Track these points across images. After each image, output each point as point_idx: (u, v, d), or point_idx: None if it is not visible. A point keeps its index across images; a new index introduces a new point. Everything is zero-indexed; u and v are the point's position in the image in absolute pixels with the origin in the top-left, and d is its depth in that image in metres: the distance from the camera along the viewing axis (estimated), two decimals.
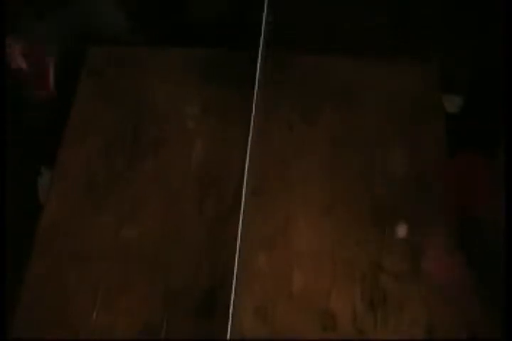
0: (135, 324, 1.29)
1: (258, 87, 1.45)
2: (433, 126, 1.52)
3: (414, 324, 1.29)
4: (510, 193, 1.25)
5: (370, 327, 1.28)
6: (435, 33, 1.75)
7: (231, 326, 1.21)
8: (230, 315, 1.22)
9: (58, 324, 1.30)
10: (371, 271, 1.34)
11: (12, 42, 1.60)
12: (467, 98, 1.69)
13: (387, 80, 1.58)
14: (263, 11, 1.51)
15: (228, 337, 1.20)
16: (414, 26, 1.78)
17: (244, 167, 1.36)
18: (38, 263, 1.37)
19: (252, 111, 1.41)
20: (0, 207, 1.26)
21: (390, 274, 1.33)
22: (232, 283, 1.25)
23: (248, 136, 1.39)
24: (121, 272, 1.36)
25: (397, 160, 1.47)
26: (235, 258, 1.27)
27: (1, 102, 1.38)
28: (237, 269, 1.26)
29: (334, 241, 1.38)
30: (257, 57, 1.46)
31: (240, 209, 1.32)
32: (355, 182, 1.45)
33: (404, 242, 1.37)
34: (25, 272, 1.35)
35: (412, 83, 1.58)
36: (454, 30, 1.73)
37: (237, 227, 1.30)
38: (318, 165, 1.48)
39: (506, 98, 1.27)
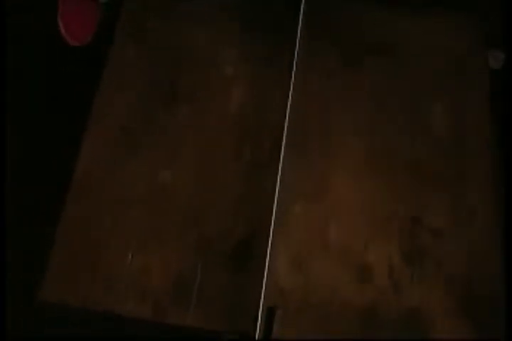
0: (169, 270, 1.28)
1: (299, 34, 1.41)
2: (477, 83, 1.48)
3: (451, 281, 1.27)
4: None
5: (406, 282, 1.27)
6: None
7: (266, 276, 1.20)
8: (267, 264, 1.21)
9: (92, 268, 1.29)
10: (409, 226, 1.32)
11: None
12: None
13: (431, 34, 1.54)
14: None
15: (264, 286, 1.19)
16: None
17: (284, 116, 1.34)
18: (73, 207, 1.35)
19: (293, 59, 1.38)
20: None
21: (429, 230, 1.32)
22: (268, 233, 1.24)
23: (288, 85, 1.36)
24: (156, 218, 1.34)
25: (439, 116, 1.44)
26: (271, 208, 1.26)
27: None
28: (274, 219, 1.25)
29: (373, 196, 1.36)
30: (300, 4, 1.43)
31: (279, 158, 1.30)
32: (396, 137, 1.42)
33: (444, 197, 1.35)
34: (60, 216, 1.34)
35: (457, 38, 1.53)
36: None
37: (275, 176, 1.28)
38: (359, 118, 1.44)
39: None
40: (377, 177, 1.38)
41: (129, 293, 1.26)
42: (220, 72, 1.51)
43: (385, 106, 1.46)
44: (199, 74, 1.52)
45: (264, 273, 1.21)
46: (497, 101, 1.46)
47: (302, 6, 1.43)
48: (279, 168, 1.28)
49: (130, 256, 1.29)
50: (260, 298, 1.20)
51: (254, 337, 1.17)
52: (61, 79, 1.72)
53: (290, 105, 1.34)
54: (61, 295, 1.26)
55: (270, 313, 1.21)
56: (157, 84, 1.51)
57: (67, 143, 1.49)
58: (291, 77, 1.37)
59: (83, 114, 1.47)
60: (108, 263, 1.29)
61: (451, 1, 1.62)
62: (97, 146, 1.43)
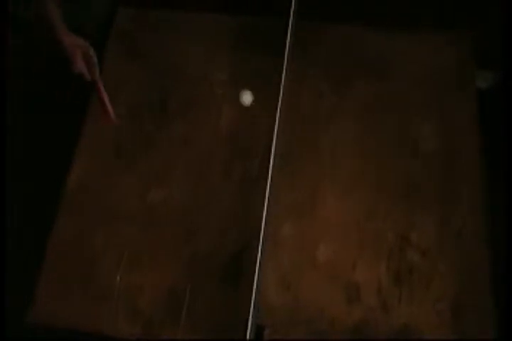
0: (160, 287, 1.29)
1: (288, 55, 1.42)
2: (465, 101, 1.49)
3: (440, 299, 1.27)
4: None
5: (394, 301, 1.27)
6: (471, 7, 1.71)
7: (255, 294, 1.19)
8: (255, 282, 1.20)
9: (83, 285, 1.30)
10: (398, 245, 1.32)
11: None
12: (500, 74, 1.65)
13: (420, 53, 1.55)
14: None
15: (252, 303, 1.19)
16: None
17: (273, 133, 1.34)
18: (64, 223, 1.37)
19: (281, 79, 1.39)
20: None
21: (417, 248, 1.32)
22: (257, 251, 1.24)
23: (277, 102, 1.37)
24: (148, 235, 1.35)
25: (427, 134, 1.45)
26: (260, 227, 1.25)
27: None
28: (263, 237, 1.24)
29: (362, 213, 1.36)
30: (287, 25, 1.44)
31: (268, 176, 1.30)
32: (384, 154, 1.43)
33: (432, 216, 1.35)
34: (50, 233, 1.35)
35: (445, 57, 1.54)
36: (489, 4, 1.69)
37: (264, 195, 1.28)
38: (348, 135, 1.45)
39: None
40: (366, 197, 1.38)
41: (119, 311, 1.26)
42: (211, 90, 1.53)
43: (373, 127, 1.47)
44: (190, 92, 1.53)
45: (253, 289, 1.21)
46: (486, 121, 1.47)
47: (290, 28, 1.44)
48: (268, 187, 1.28)
49: (121, 275, 1.30)
50: (248, 315, 1.19)
51: None
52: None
53: (279, 123, 1.34)
54: (50, 316, 1.26)
55: (258, 331, 1.21)
56: (149, 100, 1.53)
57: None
58: (280, 95, 1.37)
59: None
60: (99, 283, 1.30)
61: (439, 21, 1.64)
62: (89, 162, 1.45)
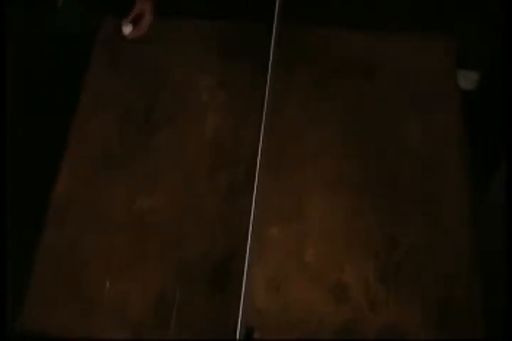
0: (148, 295, 1.31)
1: (272, 60, 1.44)
2: (448, 102, 1.50)
3: (427, 297, 1.29)
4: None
5: (382, 300, 1.28)
6: (454, 9, 1.72)
7: (244, 297, 1.21)
8: (243, 287, 1.22)
9: (71, 295, 1.31)
10: (385, 244, 1.34)
11: None
12: (485, 75, 1.65)
13: (403, 56, 1.57)
14: None
15: (241, 308, 1.21)
16: (433, 2, 1.75)
17: (258, 140, 1.36)
18: (52, 232, 1.38)
19: (266, 85, 1.40)
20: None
21: (404, 247, 1.33)
22: (245, 255, 1.25)
23: (262, 109, 1.38)
24: (136, 242, 1.37)
25: (411, 136, 1.46)
26: (248, 230, 1.27)
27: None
28: (250, 241, 1.26)
29: (347, 215, 1.38)
30: (272, 29, 1.45)
31: (254, 181, 1.32)
32: (369, 157, 1.45)
33: (418, 215, 1.37)
34: (38, 242, 1.37)
35: (428, 59, 1.56)
36: (473, 6, 1.70)
37: (250, 199, 1.29)
38: (332, 140, 1.47)
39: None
40: (352, 198, 1.40)
41: (108, 319, 1.28)
42: (197, 97, 1.55)
43: (359, 129, 1.49)
44: (176, 99, 1.55)
45: (241, 294, 1.23)
46: (471, 121, 1.48)
47: (274, 32, 1.45)
48: (254, 191, 1.30)
49: (109, 282, 1.31)
50: (238, 319, 1.21)
51: None
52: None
53: (264, 129, 1.36)
54: (40, 324, 1.28)
55: (248, 334, 1.23)
56: (135, 108, 1.54)
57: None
58: (265, 100, 1.38)
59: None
60: (87, 290, 1.31)
61: (424, 23, 1.64)
62: (75, 171, 1.46)
